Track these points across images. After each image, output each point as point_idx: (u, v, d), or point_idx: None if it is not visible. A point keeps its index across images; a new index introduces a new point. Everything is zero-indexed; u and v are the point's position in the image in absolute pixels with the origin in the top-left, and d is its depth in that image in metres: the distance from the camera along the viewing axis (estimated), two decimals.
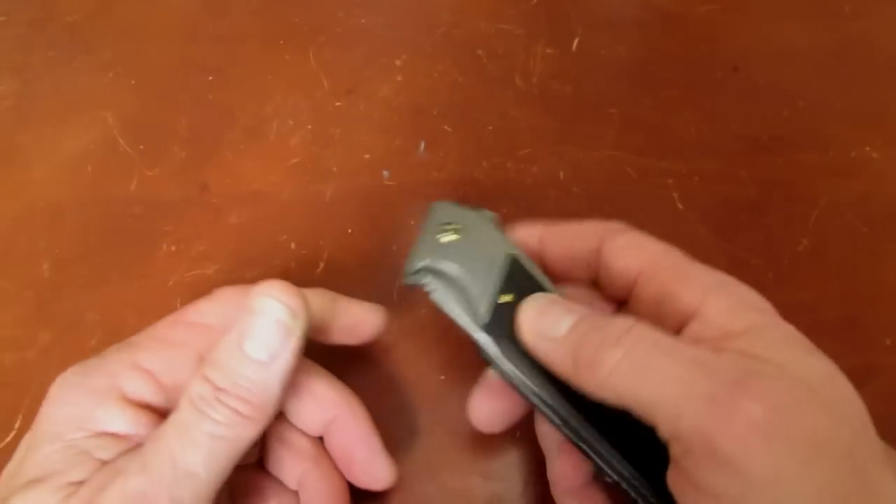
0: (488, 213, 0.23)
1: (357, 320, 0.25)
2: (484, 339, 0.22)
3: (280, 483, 0.25)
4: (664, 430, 0.18)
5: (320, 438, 0.25)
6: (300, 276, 0.32)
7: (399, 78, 0.36)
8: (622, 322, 0.19)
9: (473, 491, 0.27)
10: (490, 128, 0.35)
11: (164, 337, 0.23)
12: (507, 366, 0.22)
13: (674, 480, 0.18)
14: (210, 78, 0.37)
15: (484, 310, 0.22)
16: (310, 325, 0.22)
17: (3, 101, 0.37)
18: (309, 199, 0.33)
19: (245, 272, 0.32)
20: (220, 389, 0.20)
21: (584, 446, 0.22)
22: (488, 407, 0.24)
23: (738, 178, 0.33)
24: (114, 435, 0.21)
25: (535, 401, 0.22)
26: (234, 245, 0.32)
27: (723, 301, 0.19)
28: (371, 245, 0.32)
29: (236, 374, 0.20)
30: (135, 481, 0.19)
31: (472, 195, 0.33)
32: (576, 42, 0.37)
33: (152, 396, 0.22)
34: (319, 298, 0.24)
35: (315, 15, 0.39)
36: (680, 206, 0.32)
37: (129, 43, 0.38)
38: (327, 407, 0.24)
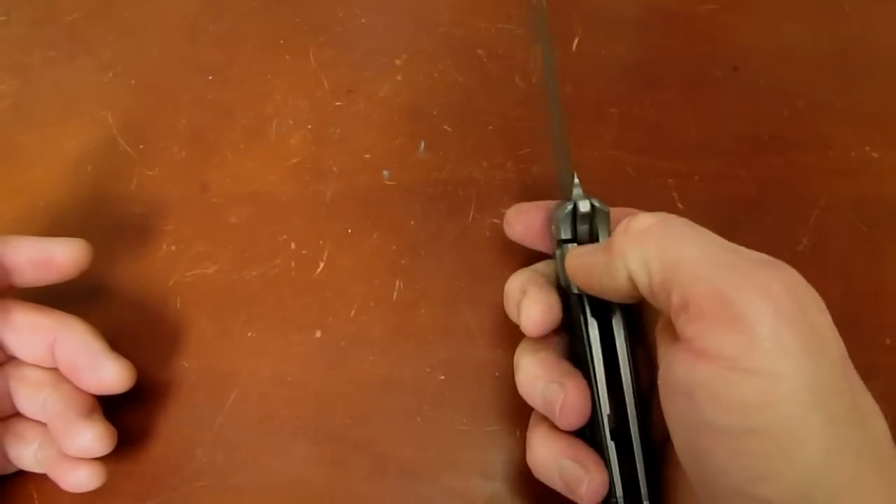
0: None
1: (47, 254, 0.26)
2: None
3: (37, 422, 0.27)
4: (679, 295, 0.18)
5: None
6: (300, 276, 0.32)
7: (399, 78, 0.36)
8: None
9: (473, 491, 0.27)
10: (490, 128, 0.35)
11: None
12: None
13: (673, 363, 0.18)
14: (210, 78, 0.37)
15: None
16: None
17: (3, 100, 0.37)
18: (309, 199, 0.33)
19: (245, 272, 0.32)
20: None
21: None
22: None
23: (738, 178, 0.33)
24: None
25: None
26: (234, 245, 0.32)
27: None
28: (371, 245, 0.32)
29: None
30: None
31: (472, 195, 0.33)
32: (576, 42, 0.37)
33: None
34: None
35: (315, 15, 0.39)
36: (680, 206, 0.32)
37: (129, 43, 0.38)
38: (45, 332, 0.26)
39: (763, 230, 0.32)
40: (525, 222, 0.27)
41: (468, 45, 0.37)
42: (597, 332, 0.23)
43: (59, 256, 0.26)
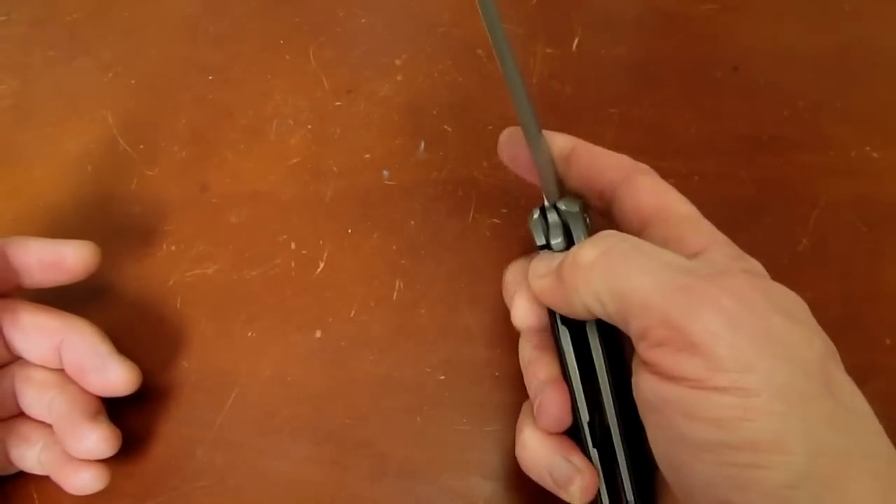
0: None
1: (57, 256, 0.26)
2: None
3: (41, 423, 0.27)
4: (635, 325, 0.18)
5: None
6: (300, 275, 0.32)
7: (399, 78, 0.36)
8: (603, 231, 0.20)
9: (473, 491, 0.27)
10: (490, 128, 0.35)
11: None
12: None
13: (641, 383, 0.18)
14: (210, 78, 0.37)
15: None
16: None
17: (4, 100, 0.37)
18: (309, 199, 0.33)
19: (245, 272, 0.32)
20: None
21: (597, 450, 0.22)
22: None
23: (738, 178, 0.33)
24: None
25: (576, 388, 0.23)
26: (234, 245, 0.32)
27: (725, 250, 0.20)
28: (371, 245, 0.32)
29: None
30: None
31: (472, 195, 0.33)
32: (576, 42, 0.37)
33: None
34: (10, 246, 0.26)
35: (315, 15, 0.39)
36: None
37: (129, 43, 0.38)
38: (52, 333, 0.26)
39: (763, 230, 0.32)
40: (512, 153, 0.26)
41: (468, 45, 0.37)
42: (569, 339, 0.23)
43: (69, 258, 0.26)
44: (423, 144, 0.34)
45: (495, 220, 0.32)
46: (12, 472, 0.27)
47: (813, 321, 0.18)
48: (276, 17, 0.39)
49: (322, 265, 0.32)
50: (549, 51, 0.37)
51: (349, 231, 0.32)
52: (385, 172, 0.34)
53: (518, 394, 0.25)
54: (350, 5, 0.39)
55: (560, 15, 0.38)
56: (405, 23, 0.38)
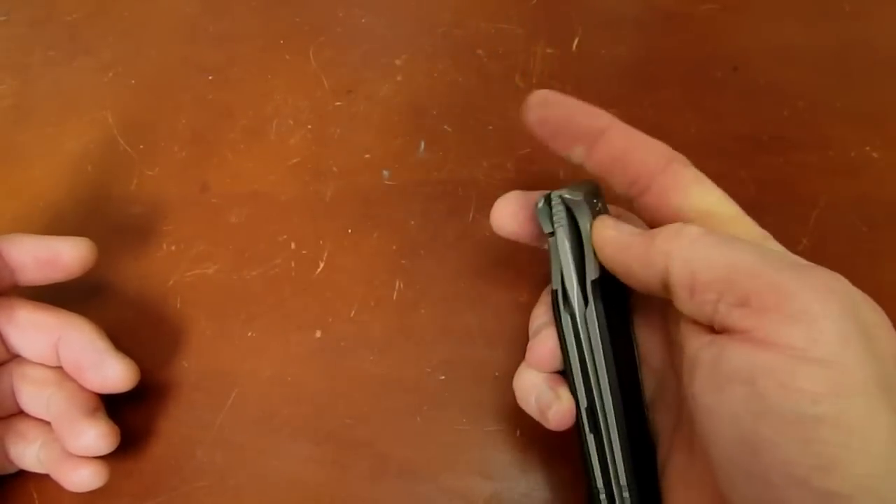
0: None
1: (53, 253, 0.26)
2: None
3: (40, 421, 0.27)
4: (737, 293, 0.18)
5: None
6: (300, 276, 0.32)
7: (399, 78, 0.36)
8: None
9: (473, 491, 0.27)
10: (490, 128, 0.35)
11: None
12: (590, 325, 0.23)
13: (731, 353, 0.18)
14: (210, 78, 0.37)
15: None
16: None
17: (4, 100, 0.37)
18: (309, 199, 0.33)
19: (245, 272, 0.32)
20: None
21: (591, 437, 0.23)
22: (510, 211, 0.25)
23: (738, 178, 0.33)
24: None
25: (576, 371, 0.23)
26: (234, 245, 0.32)
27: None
28: (371, 245, 0.32)
29: None
30: None
31: (472, 195, 0.33)
32: (576, 42, 0.37)
33: None
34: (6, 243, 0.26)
35: (315, 15, 0.39)
36: None
37: (129, 43, 0.38)
38: (50, 330, 0.26)
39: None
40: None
41: (468, 45, 0.37)
42: (570, 326, 0.23)
43: (65, 255, 0.26)
44: (423, 144, 0.34)
45: None
46: (12, 471, 0.27)
47: (890, 326, 0.19)
48: (276, 17, 0.39)
49: (322, 265, 0.32)
50: (549, 51, 0.37)
51: (349, 231, 0.32)
52: (385, 172, 0.34)
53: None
54: (350, 5, 0.39)
55: (560, 15, 0.38)
56: (405, 23, 0.38)
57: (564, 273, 0.23)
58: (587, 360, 0.23)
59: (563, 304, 0.23)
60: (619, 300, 0.24)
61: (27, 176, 0.34)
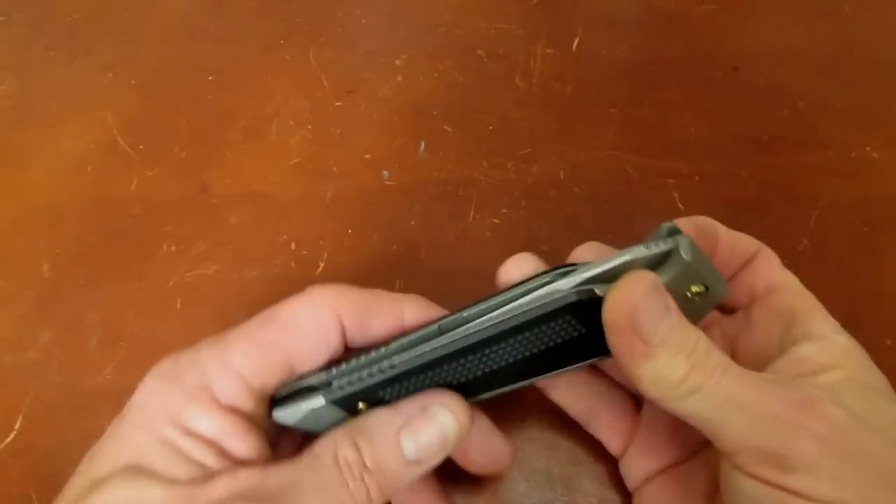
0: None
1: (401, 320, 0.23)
2: None
3: None
4: (729, 444, 0.19)
5: None
6: (300, 276, 0.32)
7: (399, 78, 0.36)
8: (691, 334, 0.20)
9: (474, 491, 0.27)
10: (490, 128, 0.35)
11: (256, 337, 0.22)
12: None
13: (743, 484, 0.19)
14: (210, 78, 0.37)
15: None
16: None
17: (3, 101, 0.37)
18: (309, 199, 0.33)
19: (245, 272, 0.32)
20: (367, 468, 0.20)
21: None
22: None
23: (738, 178, 0.33)
24: (201, 436, 0.20)
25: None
26: (234, 245, 0.32)
27: (842, 341, 0.21)
28: (371, 245, 0.32)
29: (384, 461, 0.20)
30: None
31: (472, 195, 0.33)
32: (576, 42, 0.37)
33: (239, 399, 0.21)
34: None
35: (315, 15, 0.39)
36: (680, 206, 0.32)
37: (129, 43, 0.38)
38: None
39: (763, 230, 0.32)
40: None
41: (468, 45, 0.37)
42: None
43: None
44: (423, 144, 0.34)
45: (495, 220, 0.32)
46: None
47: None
48: (276, 17, 0.39)
49: (322, 265, 0.32)
50: (549, 51, 0.37)
51: (349, 231, 0.32)
52: (385, 172, 0.34)
53: (518, 394, 0.25)
54: (350, 5, 0.39)
55: (560, 15, 0.38)
56: (405, 23, 0.38)
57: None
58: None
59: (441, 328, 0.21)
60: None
61: (27, 176, 0.34)
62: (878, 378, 0.21)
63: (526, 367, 0.22)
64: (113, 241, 0.32)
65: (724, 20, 0.37)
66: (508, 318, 0.20)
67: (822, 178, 0.33)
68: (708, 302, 0.21)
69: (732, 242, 0.24)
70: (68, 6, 0.40)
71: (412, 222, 0.32)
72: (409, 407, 0.21)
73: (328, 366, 0.22)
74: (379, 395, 0.21)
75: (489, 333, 0.20)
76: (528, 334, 0.21)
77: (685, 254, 0.20)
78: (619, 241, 0.32)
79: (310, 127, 0.35)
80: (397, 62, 0.37)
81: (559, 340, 0.21)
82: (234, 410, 0.21)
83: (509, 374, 0.22)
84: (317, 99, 0.36)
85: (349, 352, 0.23)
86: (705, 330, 0.23)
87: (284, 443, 0.23)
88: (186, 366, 0.21)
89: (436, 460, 0.21)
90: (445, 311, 0.23)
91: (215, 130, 0.35)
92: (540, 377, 0.23)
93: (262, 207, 0.33)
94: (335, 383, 0.21)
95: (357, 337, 0.23)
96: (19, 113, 0.36)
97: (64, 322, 0.30)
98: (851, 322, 0.30)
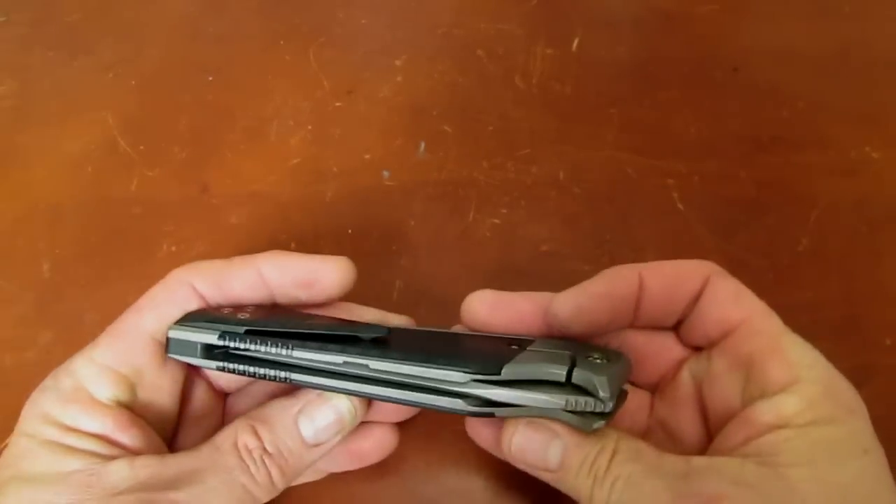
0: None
1: (313, 274, 0.24)
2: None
3: None
4: None
5: None
6: None
7: (399, 78, 0.36)
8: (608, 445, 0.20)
9: (473, 491, 0.27)
10: (490, 128, 0.35)
11: (116, 328, 0.23)
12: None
13: None
14: (210, 78, 0.37)
15: None
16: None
17: (3, 101, 0.37)
18: (309, 199, 0.33)
19: None
20: (267, 452, 0.21)
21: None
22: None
23: (738, 178, 0.33)
24: (85, 432, 0.21)
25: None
26: (234, 245, 0.32)
27: (809, 391, 0.19)
28: (371, 245, 0.32)
29: (284, 445, 0.21)
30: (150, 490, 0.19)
31: (472, 195, 0.33)
32: (576, 42, 0.37)
33: (118, 391, 0.22)
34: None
35: (315, 15, 0.39)
36: (680, 206, 0.32)
37: (129, 43, 0.38)
38: None
39: (763, 230, 0.32)
40: (509, 315, 0.24)
41: (468, 45, 0.37)
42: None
43: (325, 278, 0.25)
44: (423, 145, 0.34)
45: (495, 220, 0.32)
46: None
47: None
48: (276, 17, 0.39)
49: None
50: (549, 51, 0.37)
51: (349, 231, 0.32)
52: (385, 172, 0.34)
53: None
54: (350, 6, 0.39)
55: (560, 15, 0.38)
56: (405, 23, 0.38)
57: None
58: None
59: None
60: None
61: (27, 176, 0.34)
62: (842, 428, 0.19)
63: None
64: (113, 241, 0.32)
65: (724, 20, 0.37)
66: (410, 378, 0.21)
67: (822, 178, 0.33)
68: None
69: (669, 277, 0.22)
70: (68, 6, 0.40)
71: (412, 222, 0.32)
72: (306, 393, 0.22)
73: (240, 310, 0.23)
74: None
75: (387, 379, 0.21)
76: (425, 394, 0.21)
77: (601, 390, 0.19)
78: (619, 241, 0.32)
79: (310, 127, 0.35)
80: (397, 62, 0.37)
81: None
82: (116, 405, 0.21)
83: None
84: (317, 99, 0.36)
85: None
86: (674, 371, 0.23)
87: (183, 437, 0.24)
88: (60, 373, 0.22)
89: (334, 441, 0.22)
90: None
91: (215, 130, 0.35)
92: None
93: (262, 207, 0.33)
94: (231, 345, 0.22)
95: (221, 301, 0.24)
96: (19, 113, 0.36)
97: (64, 322, 0.30)
98: (851, 322, 0.30)
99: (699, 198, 0.32)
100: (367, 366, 0.21)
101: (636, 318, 0.23)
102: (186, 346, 0.22)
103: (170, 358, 0.22)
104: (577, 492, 0.20)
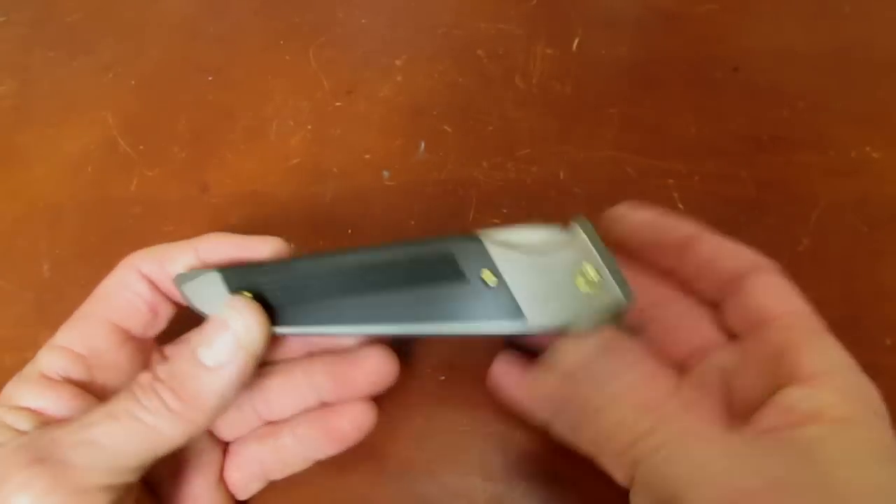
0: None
1: (248, 254, 0.26)
2: None
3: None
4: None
5: None
6: None
7: (399, 78, 0.36)
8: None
9: (473, 491, 0.27)
10: (490, 128, 0.35)
11: (76, 315, 0.25)
12: None
13: None
14: (210, 78, 0.37)
15: None
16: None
17: (3, 101, 0.37)
18: (309, 199, 0.33)
19: None
20: (157, 379, 0.21)
21: None
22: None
23: (738, 178, 0.33)
24: (32, 410, 0.22)
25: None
26: None
27: (837, 382, 0.19)
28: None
29: (177, 370, 0.22)
30: (37, 440, 0.20)
31: (472, 195, 0.33)
32: (576, 42, 0.37)
33: (71, 368, 0.23)
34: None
35: (315, 15, 0.39)
36: (680, 206, 0.32)
37: (129, 43, 0.38)
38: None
39: (763, 230, 0.32)
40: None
41: (468, 45, 0.37)
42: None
43: (261, 256, 0.26)
44: (423, 144, 0.34)
45: (495, 220, 0.32)
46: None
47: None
48: (276, 17, 0.39)
49: None
50: (549, 51, 0.37)
51: (349, 231, 0.32)
52: (385, 172, 0.34)
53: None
54: (350, 5, 0.39)
55: (560, 15, 0.38)
56: (405, 23, 0.38)
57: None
58: None
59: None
60: None
61: (27, 176, 0.34)
62: (875, 429, 0.18)
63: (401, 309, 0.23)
64: (113, 241, 0.32)
65: (724, 20, 0.37)
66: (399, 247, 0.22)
67: (822, 178, 0.33)
68: (606, 303, 0.20)
69: (718, 252, 0.23)
70: (68, 6, 0.40)
71: (412, 222, 0.32)
72: (205, 325, 0.23)
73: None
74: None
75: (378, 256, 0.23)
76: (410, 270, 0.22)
77: (581, 227, 0.20)
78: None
79: (310, 127, 0.35)
80: (397, 62, 0.37)
81: (434, 283, 0.22)
82: (65, 381, 0.23)
83: (383, 307, 0.23)
84: (317, 99, 0.36)
85: None
86: (702, 354, 0.23)
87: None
88: (29, 363, 0.24)
89: (237, 365, 0.22)
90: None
91: (215, 130, 0.35)
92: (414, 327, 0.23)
93: (262, 207, 0.33)
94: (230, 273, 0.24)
95: (166, 280, 0.25)
96: (19, 113, 0.36)
97: (64, 322, 0.30)
98: (851, 322, 0.30)
99: (699, 198, 0.32)
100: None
101: (681, 266, 0.23)
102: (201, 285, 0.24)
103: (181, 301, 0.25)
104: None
